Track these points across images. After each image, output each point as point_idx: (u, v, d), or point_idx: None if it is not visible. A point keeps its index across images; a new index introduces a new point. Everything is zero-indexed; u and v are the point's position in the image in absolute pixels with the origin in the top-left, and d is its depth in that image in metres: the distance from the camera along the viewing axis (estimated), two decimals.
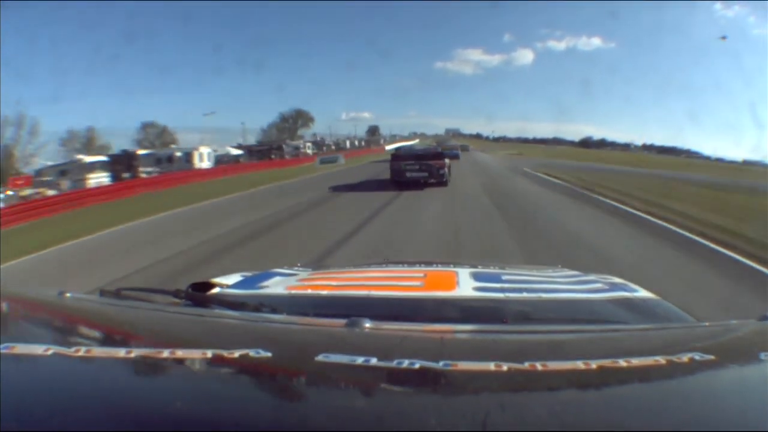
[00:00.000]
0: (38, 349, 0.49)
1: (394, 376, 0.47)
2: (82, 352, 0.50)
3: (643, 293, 1.12)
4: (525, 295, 1.07)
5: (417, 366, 0.47)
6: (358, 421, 0.39)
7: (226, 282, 1.18)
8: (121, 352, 0.50)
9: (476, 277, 1.20)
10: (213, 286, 1.11)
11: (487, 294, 1.05)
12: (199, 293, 0.99)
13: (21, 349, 0.50)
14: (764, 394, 0.48)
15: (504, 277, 1.25)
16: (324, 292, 1.11)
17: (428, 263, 1.47)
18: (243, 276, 1.29)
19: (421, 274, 1.29)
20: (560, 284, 1.25)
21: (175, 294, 0.96)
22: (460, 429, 0.37)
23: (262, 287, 1.16)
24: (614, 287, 1.17)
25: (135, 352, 0.52)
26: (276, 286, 1.17)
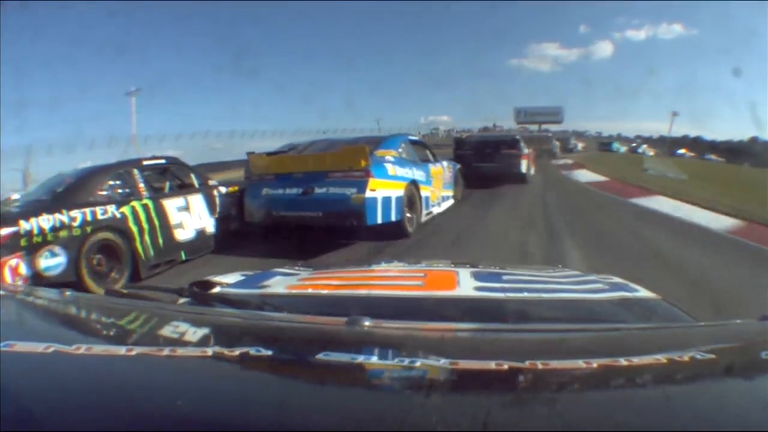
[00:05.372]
0: (39, 347, 0.49)
1: (395, 374, 0.47)
2: (82, 350, 0.50)
3: (643, 293, 1.12)
4: (525, 294, 1.07)
5: (417, 364, 0.47)
6: (358, 419, 0.39)
7: (227, 281, 1.18)
8: (121, 350, 0.50)
9: (477, 276, 1.20)
10: (214, 285, 1.11)
11: (488, 294, 1.05)
12: (200, 292, 1.00)
13: (21, 346, 0.50)
14: (765, 394, 0.48)
15: (504, 277, 1.25)
16: (324, 292, 1.11)
17: (429, 263, 1.47)
18: (244, 275, 1.29)
19: (422, 274, 1.29)
20: (560, 284, 1.25)
21: (177, 292, 0.96)
22: (461, 427, 0.37)
23: (263, 286, 1.16)
24: (614, 287, 1.16)
25: (136, 350, 0.52)
26: (277, 285, 1.17)
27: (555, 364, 0.50)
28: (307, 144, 6.03)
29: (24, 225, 3.38)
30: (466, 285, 1.11)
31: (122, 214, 3.97)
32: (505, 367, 0.47)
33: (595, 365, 0.48)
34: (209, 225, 4.79)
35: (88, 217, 3.71)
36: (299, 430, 0.38)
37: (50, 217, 3.53)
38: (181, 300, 0.95)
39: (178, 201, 4.54)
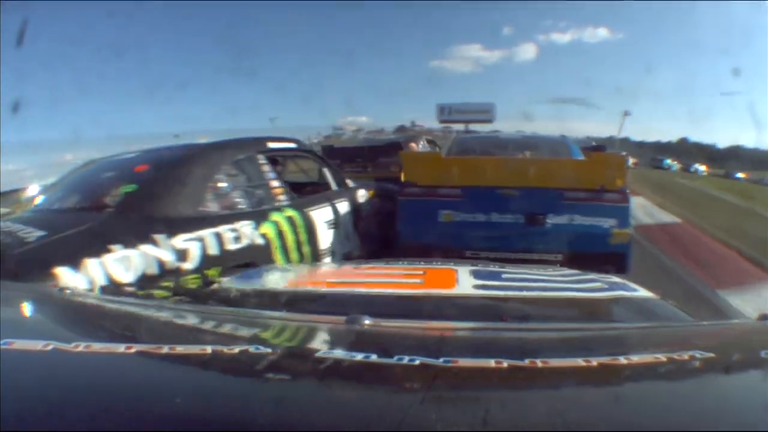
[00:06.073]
0: (37, 345, 0.49)
1: (394, 372, 0.47)
2: (81, 347, 0.50)
3: (642, 293, 1.12)
4: (525, 293, 1.07)
5: (417, 362, 0.47)
6: (357, 417, 0.39)
7: (226, 278, 1.18)
8: (120, 348, 0.50)
9: (476, 275, 1.20)
10: (212, 282, 1.11)
11: (487, 292, 1.05)
12: (198, 289, 1.00)
13: (20, 344, 0.50)
14: (765, 394, 0.48)
15: (504, 276, 1.25)
16: (323, 289, 1.11)
17: (428, 261, 1.47)
18: (243, 272, 1.29)
19: (421, 272, 1.28)
20: (560, 283, 1.25)
21: (175, 290, 0.96)
22: (460, 426, 0.37)
23: (261, 284, 1.16)
24: (614, 286, 1.16)
25: (134, 348, 0.51)
26: (275, 282, 1.17)
27: (555, 362, 0.50)
28: (457, 142, 4.19)
29: (65, 275, 1.37)
30: (465, 283, 1.11)
31: (264, 237, 2.14)
32: (505, 365, 0.47)
33: (594, 364, 0.48)
34: (356, 249, 3.01)
35: (211, 249, 1.84)
36: (298, 428, 0.37)
37: (127, 254, 1.60)
38: (180, 297, 0.95)
39: (325, 212, 2.73)
